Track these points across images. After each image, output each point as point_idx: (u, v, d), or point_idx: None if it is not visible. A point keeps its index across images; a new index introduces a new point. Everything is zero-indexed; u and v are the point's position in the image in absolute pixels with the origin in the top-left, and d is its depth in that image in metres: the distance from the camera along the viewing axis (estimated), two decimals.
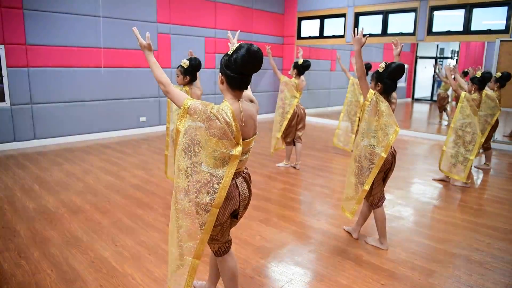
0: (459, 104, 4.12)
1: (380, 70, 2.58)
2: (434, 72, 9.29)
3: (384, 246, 2.77)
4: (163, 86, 1.75)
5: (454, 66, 4.32)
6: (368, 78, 2.79)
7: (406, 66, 13.17)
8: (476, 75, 4.19)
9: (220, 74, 1.70)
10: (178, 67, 3.40)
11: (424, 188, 4.25)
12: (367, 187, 2.65)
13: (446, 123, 8.94)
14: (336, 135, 5.88)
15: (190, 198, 1.67)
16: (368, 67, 5.79)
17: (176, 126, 1.69)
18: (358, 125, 5.69)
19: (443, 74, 8.42)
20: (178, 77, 3.40)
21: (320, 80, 10.59)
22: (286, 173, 4.75)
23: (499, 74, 4.94)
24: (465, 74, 7.68)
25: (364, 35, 2.52)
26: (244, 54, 1.58)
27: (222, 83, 1.70)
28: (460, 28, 6.74)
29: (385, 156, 2.59)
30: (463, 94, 4.10)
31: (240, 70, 1.62)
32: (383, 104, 2.57)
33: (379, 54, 11.89)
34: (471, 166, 4.20)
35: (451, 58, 12.91)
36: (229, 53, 1.65)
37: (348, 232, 3.04)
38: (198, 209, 1.67)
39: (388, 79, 2.55)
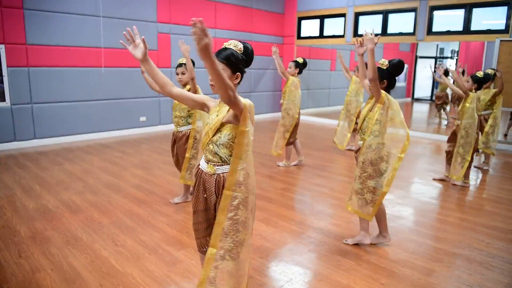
0: (468, 105, 4.04)
1: (384, 67, 2.59)
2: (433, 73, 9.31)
3: (387, 238, 2.79)
4: (232, 91, 1.51)
5: (446, 67, 4.35)
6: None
7: (405, 65, 13.28)
8: (477, 75, 4.20)
9: (236, 73, 1.71)
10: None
11: (424, 188, 4.25)
12: (386, 189, 2.65)
13: (446, 122, 8.95)
14: (336, 132, 5.90)
15: (254, 194, 1.76)
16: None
17: (243, 129, 1.62)
18: (356, 124, 5.77)
19: (438, 76, 8.41)
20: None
21: (320, 80, 10.60)
22: (286, 172, 4.75)
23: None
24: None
25: (376, 35, 2.55)
26: (252, 50, 1.77)
27: (237, 81, 1.74)
28: (460, 28, 6.74)
29: (403, 156, 2.60)
30: (472, 94, 4.08)
31: (249, 65, 1.78)
32: (394, 102, 2.61)
33: (378, 53, 11.89)
34: (468, 166, 4.22)
35: (451, 58, 12.92)
36: (242, 51, 1.73)
37: (355, 244, 2.84)
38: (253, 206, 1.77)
39: (392, 75, 2.59)
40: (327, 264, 2.54)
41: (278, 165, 4.99)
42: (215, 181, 1.75)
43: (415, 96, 13.97)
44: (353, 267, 2.50)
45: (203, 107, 1.85)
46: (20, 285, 2.23)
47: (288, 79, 4.67)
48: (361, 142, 2.73)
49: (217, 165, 1.75)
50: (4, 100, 5.44)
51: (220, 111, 1.75)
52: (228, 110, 1.71)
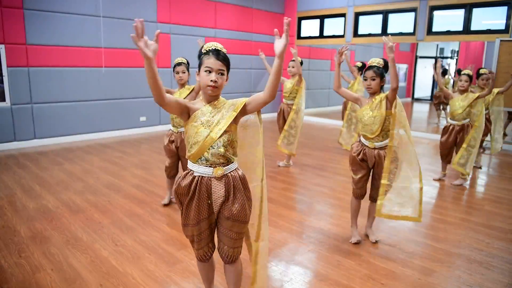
0: (483, 105, 4.20)
1: (381, 66, 2.65)
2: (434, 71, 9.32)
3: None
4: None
5: (445, 68, 4.46)
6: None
7: (405, 65, 13.27)
8: (467, 73, 4.27)
9: (227, 75, 1.74)
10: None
11: (424, 188, 4.23)
12: (422, 184, 2.73)
13: (445, 122, 8.94)
14: (341, 133, 5.90)
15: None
16: (364, 66, 5.82)
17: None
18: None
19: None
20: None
21: (320, 80, 10.61)
22: (286, 172, 4.75)
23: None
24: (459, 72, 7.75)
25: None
26: None
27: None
28: (460, 28, 6.74)
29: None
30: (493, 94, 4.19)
31: None
32: (399, 102, 2.68)
33: (379, 54, 11.89)
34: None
35: (451, 58, 12.92)
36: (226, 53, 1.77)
37: (358, 242, 2.88)
38: None
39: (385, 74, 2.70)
40: (327, 264, 2.54)
41: (279, 165, 4.99)
42: (225, 183, 1.72)
43: (415, 96, 13.99)
44: (353, 267, 2.50)
45: (183, 112, 1.71)
46: (20, 285, 2.23)
47: (302, 80, 4.71)
48: (381, 143, 2.68)
49: (225, 166, 1.72)
50: (4, 100, 5.45)
51: (217, 112, 1.71)
52: (239, 110, 1.70)
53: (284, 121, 4.85)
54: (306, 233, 3.01)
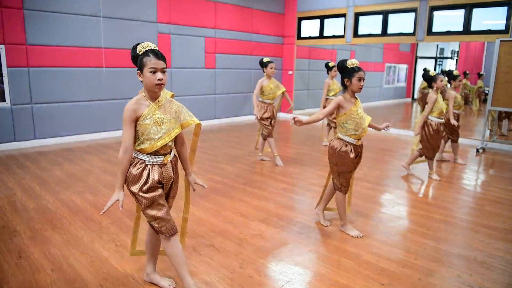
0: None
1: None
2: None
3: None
4: None
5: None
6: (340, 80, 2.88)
7: (405, 66, 13.29)
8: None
9: None
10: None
11: (424, 188, 4.25)
12: None
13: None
14: None
15: None
16: (334, 66, 5.96)
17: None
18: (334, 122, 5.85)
19: None
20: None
21: (320, 80, 10.60)
22: (286, 172, 4.75)
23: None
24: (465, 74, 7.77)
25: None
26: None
27: None
28: (460, 28, 6.74)
29: None
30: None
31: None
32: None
33: (379, 54, 11.90)
34: None
35: (451, 58, 12.93)
36: None
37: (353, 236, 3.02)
38: None
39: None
40: (327, 264, 2.54)
41: (278, 165, 4.99)
42: (172, 167, 2.00)
43: (415, 96, 13.97)
44: (353, 267, 2.50)
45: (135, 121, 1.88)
46: (20, 285, 2.23)
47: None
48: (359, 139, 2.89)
49: (170, 153, 1.99)
50: (4, 100, 5.45)
51: (163, 111, 1.90)
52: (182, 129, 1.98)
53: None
54: (306, 233, 3.01)
